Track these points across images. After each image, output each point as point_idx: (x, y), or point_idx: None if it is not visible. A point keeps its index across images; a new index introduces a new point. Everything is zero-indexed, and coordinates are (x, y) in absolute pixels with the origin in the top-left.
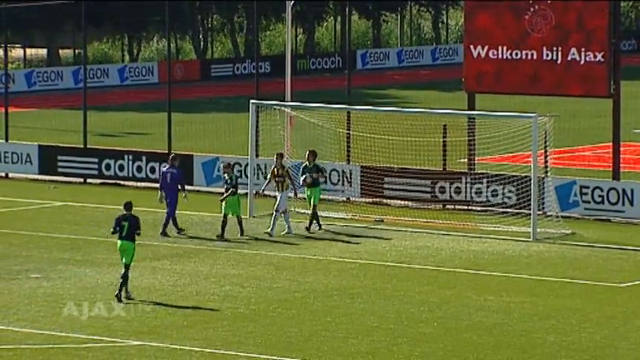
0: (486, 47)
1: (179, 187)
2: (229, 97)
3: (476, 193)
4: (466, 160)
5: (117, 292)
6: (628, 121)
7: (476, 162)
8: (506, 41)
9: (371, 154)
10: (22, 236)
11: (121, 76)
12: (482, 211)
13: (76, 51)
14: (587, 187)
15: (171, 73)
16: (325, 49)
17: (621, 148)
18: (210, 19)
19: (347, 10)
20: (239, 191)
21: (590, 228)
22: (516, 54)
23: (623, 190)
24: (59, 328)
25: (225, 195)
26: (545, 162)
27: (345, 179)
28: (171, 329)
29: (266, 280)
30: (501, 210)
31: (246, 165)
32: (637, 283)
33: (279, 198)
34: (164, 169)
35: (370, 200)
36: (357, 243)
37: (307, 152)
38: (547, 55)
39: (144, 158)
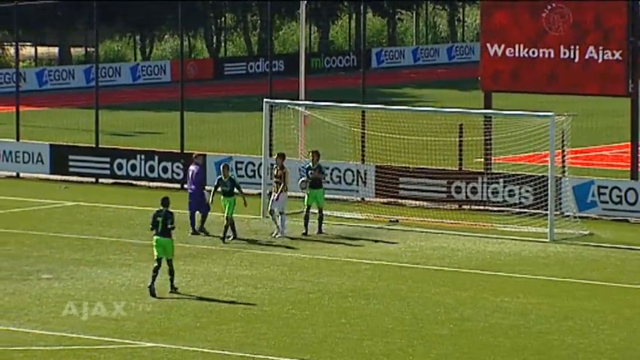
0: (503, 46)
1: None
2: (242, 96)
3: (492, 193)
4: (482, 159)
5: (169, 288)
6: None
7: (492, 162)
8: (523, 40)
9: (386, 154)
10: (34, 236)
11: (133, 75)
12: (498, 211)
13: (88, 49)
14: (605, 187)
15: (184, 72)
16: (340, 47)
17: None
18: (223, 17)
19: (362, 7)
20: (249, 191)
21: (608, 228)
22: (533, 52)
23: None
24: (70, 330)
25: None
26: (563, 162)
27: (359, 179)
28: (183, 331)
29: (279, 281)
30: (518, 210)
31: (260, 165)
32: None
33: (278, 199)
34: (192, 167)
35: (385, 200)
36: (372, 244)
37: (310, 152)
38: (564, 54)
39: (156, 158)
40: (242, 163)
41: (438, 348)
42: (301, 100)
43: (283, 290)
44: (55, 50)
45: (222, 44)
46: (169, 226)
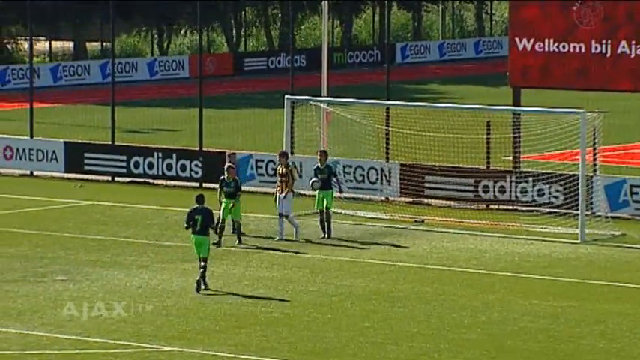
0: (532, 40)
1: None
2: (263, 92)
3: (521, 192)
4: (511, 157)
5: (196, 285)
6: None
7: (521, 160)
8: (553, 34)
9: (411, 152)
10: (48, 237)
11: (150, 71)
12: (527, 211)
13: (104, 44)
14: (638, 187)
15: (203, 67)
16: (363, 42)
17: None
18: (243, 11)
19: (386, 1)
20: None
21: None
22: (563, 47)
23: None
24: (86, 333)
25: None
26: (594, 160)
27: (383, 178)
28: (202, 334)
29: (301, 283)
30: (548, 210)
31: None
32: None
33: (282, 200)
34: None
35: (410, 200)
36: (397, 244)
37: (318, 152)
38: (596, 49)
39: (174, 156)
40: (262, 161)
41: (465, 353)
42: (323, 97)
43: (305, 292)
44: (70, 45)
45: (242, 39)
46: (211, 225)
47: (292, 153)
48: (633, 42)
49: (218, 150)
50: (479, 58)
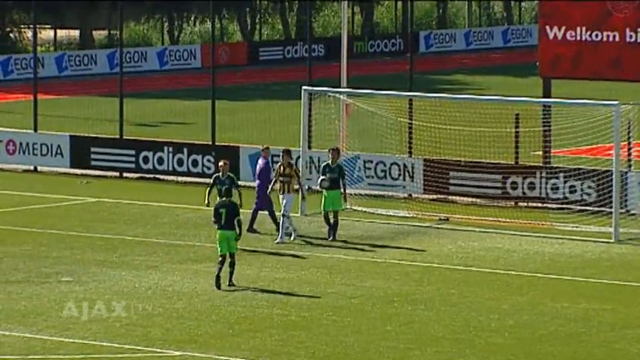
0: (563, 28)
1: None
2: (279, 84)
3: (552, 189)
4: (541, 152)
5: (229, 280)
6: None
7: (552, 155)
8: (586, 22)
9: (435, 146)
10: (52, 235)
11: (160, 60)
12: (558, 209)
13: (112, 32)
14: None
15: (216, 57)
16: (385, 30)
17: None
18: None
19: None
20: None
21: None
22: (596, 35)
23: None
24: (92, 337)
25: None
26: (629, 155)
27: (406, 174)
28: (215, 338)
29: (319, 285)
30: (580, 208)
31: (298, 158)
32: None
33: (284, 201)
34: (260, 160)
35: (434, 197)
36: (420, 244)
37: (329, 150)
38: (630, 37)
39: (185, 150)
40: (278, 156)
41: (492, 358)
42: (343, 88)
43: (323, 295)
44: (76, 33)
45: (257, 27)
46: (237, 218)
47: (310, 147)
48: None
49: (232, 144)
50: (507, 47)
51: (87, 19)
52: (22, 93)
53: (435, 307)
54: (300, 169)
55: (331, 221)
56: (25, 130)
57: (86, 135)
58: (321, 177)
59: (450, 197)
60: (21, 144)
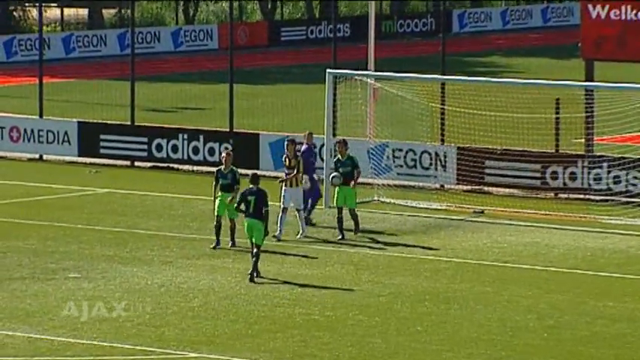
0: (607, 7)
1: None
2: (302, 66)
3: (594, 179)
4: (583, 140)
5: (249, 272)
6: None
7: (594, 142)
8: (631, 0)
9: (469, 133)
10: (59, 229)
11: (174, 41)
12: (601, 200)
13: (122, 11)
14: None
15: (234, 38)
16: (415, 8)
17: None
18: None
19: None
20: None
21: None
22: None
23: None
24: (102, 337)
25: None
26: None
27: (438, 163)
28: (233, 339)
29: (345, 282)
30: (624, 200)
31: (322, 145)
32: None
33: (292, 194)
34: (303, 147)
35: (468, 188)
36: (453, 238)
37: (336, 143)
38: None
39: (201, 138)
40: (300, 144)
41: None
42: (370, 71)
43: (349, 292)
44: (84, 12)
45: (278, 5)
46: (265, 208)
47: (334, 134)
48: None
49: (251, 131)
50: (547, 27)
51: None
52: (27, 76)
53: (468, 306)
54: (325, 158)
55: (342, 218)
56: (29, 116)
57: (95, 121)
58: (333, 174)
59: (486, 188)
60: (25, 131)
